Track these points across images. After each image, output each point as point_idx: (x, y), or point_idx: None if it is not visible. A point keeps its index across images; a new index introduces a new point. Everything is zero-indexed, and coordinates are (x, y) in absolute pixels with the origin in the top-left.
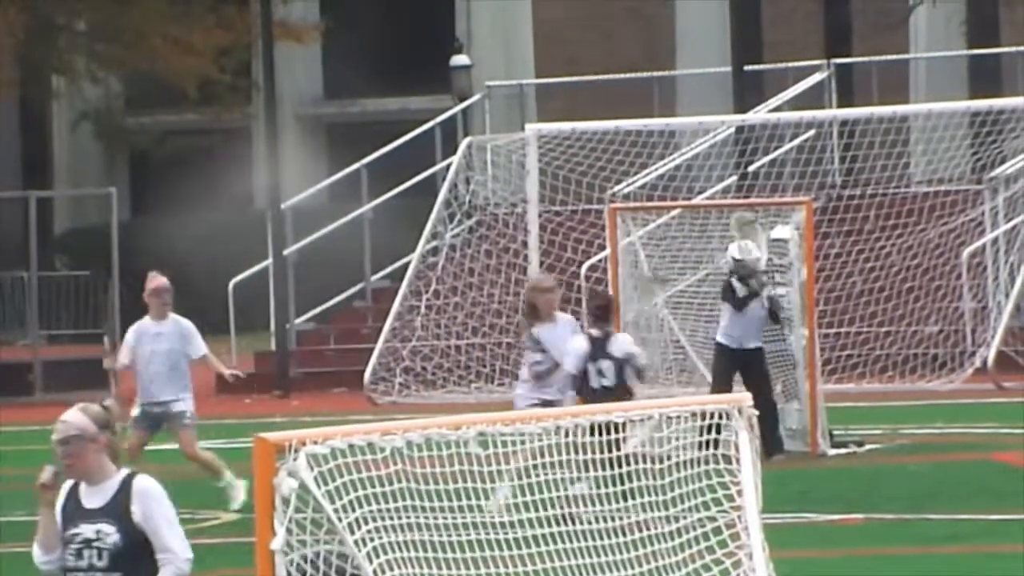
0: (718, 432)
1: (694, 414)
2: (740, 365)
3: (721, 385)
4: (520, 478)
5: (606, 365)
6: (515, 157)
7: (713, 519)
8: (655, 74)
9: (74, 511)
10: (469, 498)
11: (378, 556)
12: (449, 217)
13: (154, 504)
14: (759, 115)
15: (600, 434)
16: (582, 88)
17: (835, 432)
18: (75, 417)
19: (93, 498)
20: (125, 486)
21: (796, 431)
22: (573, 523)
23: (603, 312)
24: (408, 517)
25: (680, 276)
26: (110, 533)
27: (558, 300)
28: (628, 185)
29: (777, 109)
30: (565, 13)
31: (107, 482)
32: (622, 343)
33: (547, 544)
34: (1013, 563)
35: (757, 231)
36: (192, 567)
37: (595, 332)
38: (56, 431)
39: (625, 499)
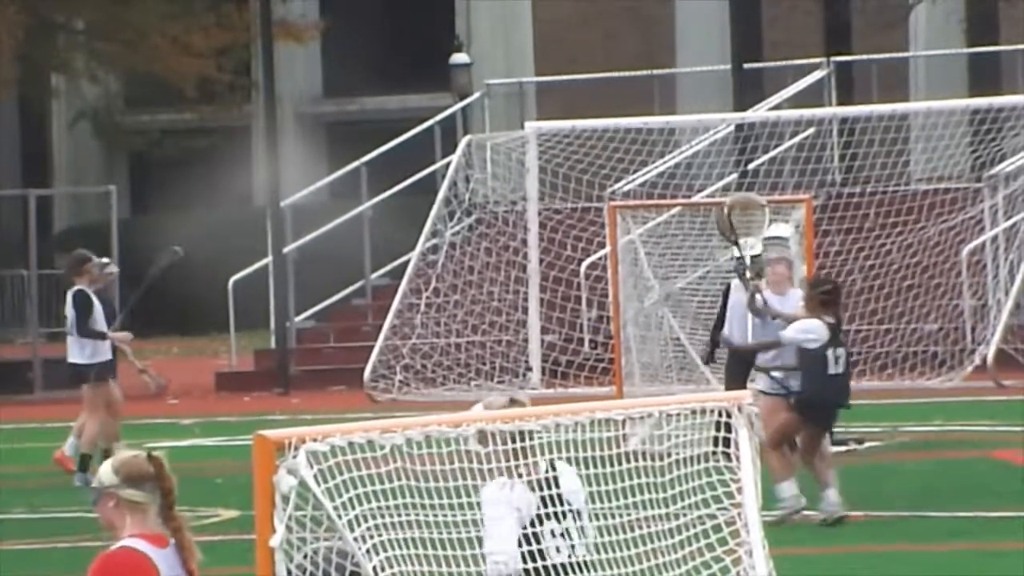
0: (727, 431)
1: (695, 412)
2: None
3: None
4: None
5: (841, 352)
6: (515, 155)
7: (713, 516)
8: (655, 72)
9: None
10: (469, 495)
11: (378, 553)
12: (449, 215)
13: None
14: (759, 113)
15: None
16: (582, 86)
17: (835, 429)
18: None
19: None
20: None
21: None
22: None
23: (833, 297)
24: (408, 514)
25: (680, 274)
26: None
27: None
28: (628, 183)
29: (777, 107)
30: (565, 11)
31: None
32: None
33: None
34: (1013, 560)
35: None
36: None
37: (830, 319)
38: None
39: (625, 496)
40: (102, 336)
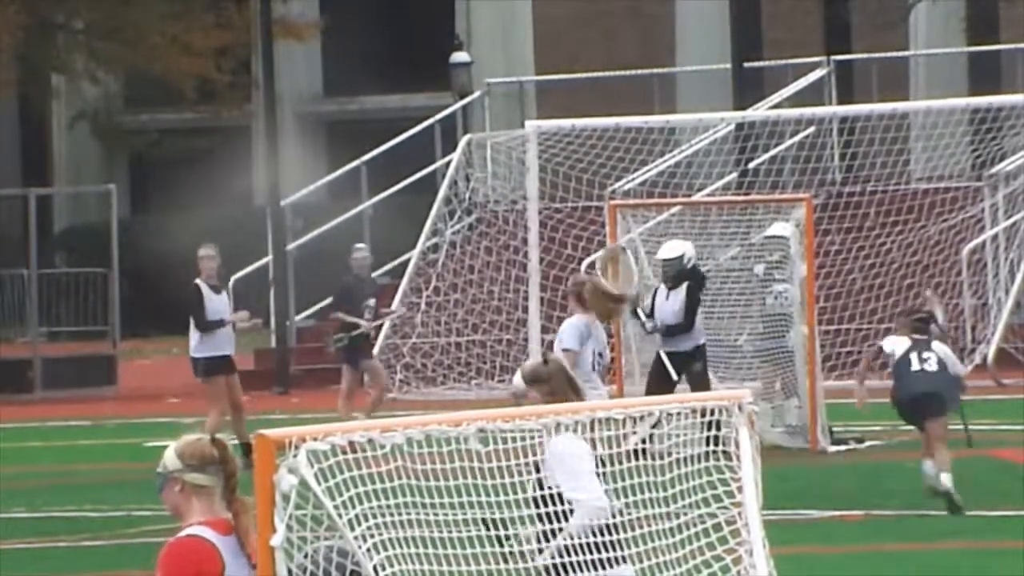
0: (718, 429)
1: (694, 411)
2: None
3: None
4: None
5: (928, 355)
6: (515, 154)
7: (714, 515)
8: (655, 71)
9: None
10: (469, 494)
11: (378, 552)
12: (449, 214)
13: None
14: (759, 112)
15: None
16: (582, 85)
17: (835, 429)
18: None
19: None
20: None
21: (796, 428)
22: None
23: (923, 324)
24: (408, 513)
25: None
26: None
27: None
28: (628, 182)
29: (777, 106)
30: (565, 10)
31: None
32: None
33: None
34: (1013, 559)
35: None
36: None
37: (917, 336)
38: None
39: (626, 495)
40: (219, 324)
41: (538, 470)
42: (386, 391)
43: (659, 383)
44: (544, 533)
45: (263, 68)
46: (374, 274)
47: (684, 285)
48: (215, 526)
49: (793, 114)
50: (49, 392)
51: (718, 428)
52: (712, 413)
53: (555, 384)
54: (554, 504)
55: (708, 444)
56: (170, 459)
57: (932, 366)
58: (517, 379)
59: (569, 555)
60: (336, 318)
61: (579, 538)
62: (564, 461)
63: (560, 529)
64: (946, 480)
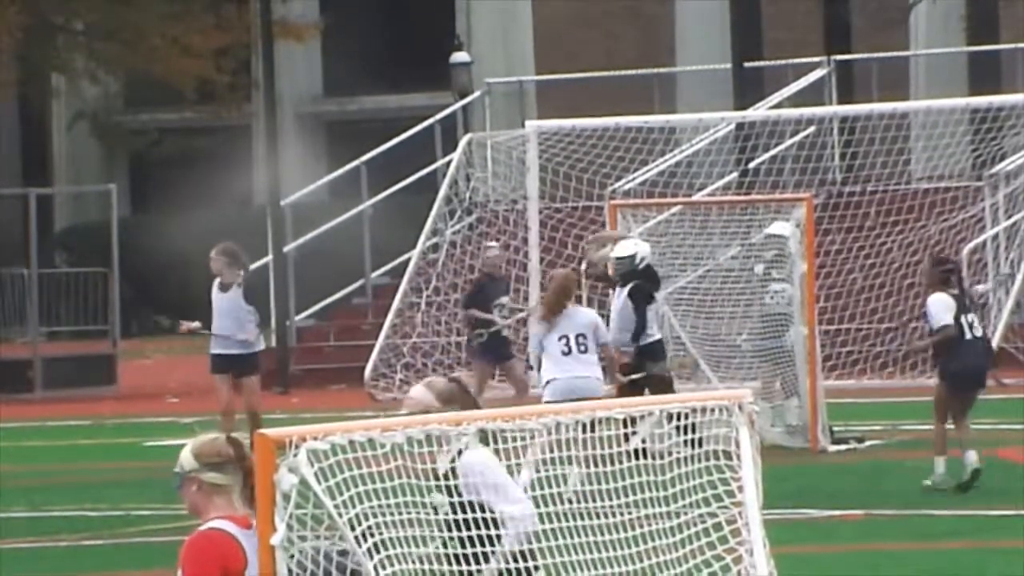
0: (693, 431)
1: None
2: None
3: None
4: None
5: (972, 318)
6: (515, 154)
7: (714, 515)
8: (655, 71)
9: None
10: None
11: (379, 552)
12: (449, 214)
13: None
14: (759, 112)
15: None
16: (582, 85)
17: (835, 428)
18: (420, 393)
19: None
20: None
21: (796, 427)
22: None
23: (952, 273)
24: (409, 513)
25: (680, 273)
26: (442, 503)
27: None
28: (628, 182)
29: (777, 106)
30: (565, 10)
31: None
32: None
33: (548, 540)
34: (1013, 559)
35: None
36: None
37: (954, 291)
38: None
39: (626, 495)
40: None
41: (448, 478)
42: (527, 388)
43: (630, 387)
44: (461, 540)
45: (263, 68)
46: (374, 274)
47: (629, 285)
48: (236, 521)
49: (793, 114)
50: (49, 392)
51: (694, 431)
52: (685, 417)
53: (464, 405)
54: (472, 511)
55: (692, 447)
56: (186, 459)
57: (978, 331)
58: (422, 393)
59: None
60: (470, 316)
61: (518, 549)
62: (485, 474)
63: (480, 539)
64: (974, 457)
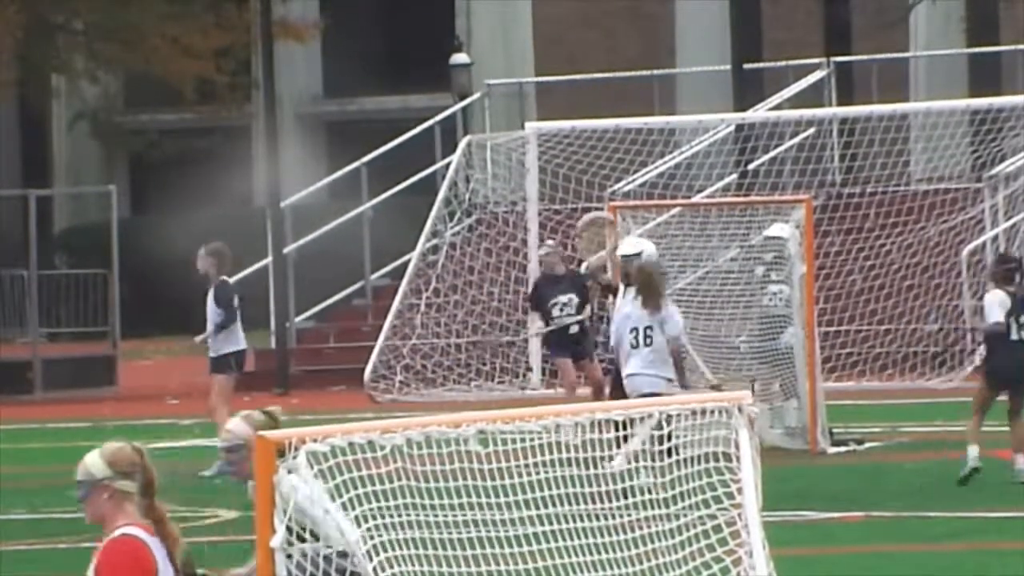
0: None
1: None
2: None
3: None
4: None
5: None
6: (515, 155)
7: (713, 517)
8: (655, 72)
9: None
10: (469, 496)
11: (378, 553)
12: (449, 215)
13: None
14: (759, 113)
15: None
16: (582, 86)
17: (835, 430)
18: (237, 426)
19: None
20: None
21: (796, 429)
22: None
23: (1013, 272)
24: (408, 515)
25: (680, 274)
26: None
27: None
28: (628, 183)
29: (777, 107)
30: (565, 11)
31: None
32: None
33: (547, 542)
34: (1013, 560)
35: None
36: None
37: (1011, 289)
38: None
39: (625, 496)
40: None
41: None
42: (602, 388)
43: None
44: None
45: (263, 69)
46: (374, 276)
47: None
48: (144, 528)
49: (793, 115)
50: (49, 393)
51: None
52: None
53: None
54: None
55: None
56: (98, 467)
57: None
58: (240, 426)
59: None
60: (533, 316)
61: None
62: (312, 507)
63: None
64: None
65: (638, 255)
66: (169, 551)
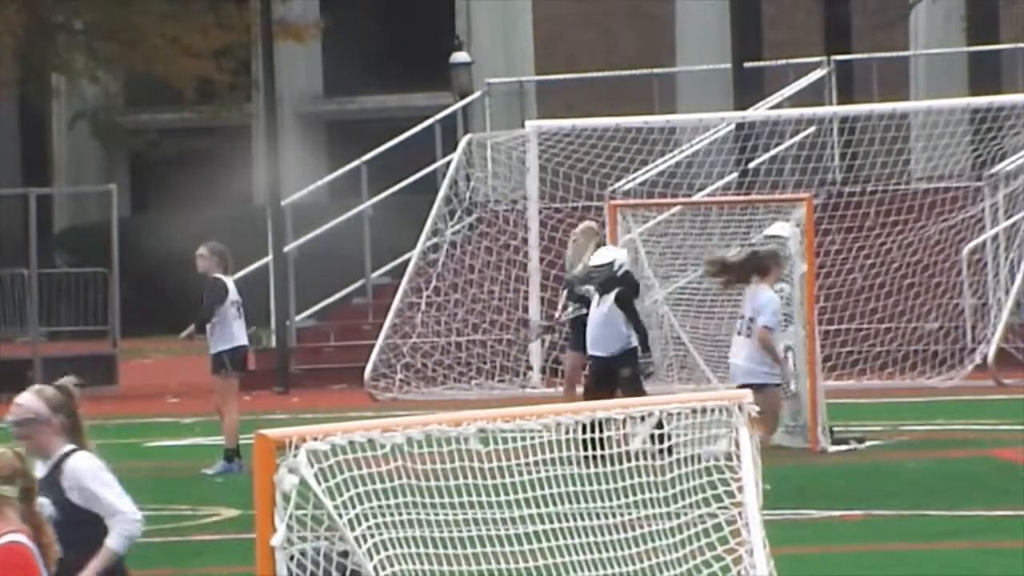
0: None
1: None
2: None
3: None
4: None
5: None
6: (515, 154)
7: (714, 515)
8: (655, 71)
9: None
10: (470, 494)
11: (379, 552)
12: (449, 214)
13: (85, 479)
14: (759, 112)
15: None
16: (582, 85)
17: (835, 428)
18: (29, 400)
19: (41, 470)
20: (59, 463)
21: (796, 427)
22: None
23: None
24: (409, 513)
25: (680, 273)
26: (46, 505)
27: None
28: (628, 182)
29: (777, 106)
30: (565, 10)
31: (51, 459)
32: None
33: (548, 540)
34: (1013, 559)
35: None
36: (141, 527)
37: None
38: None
39: (626, 495)
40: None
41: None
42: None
43: (596, 389)
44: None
45: (263, 68)
46: (374, 274)
47: (612, 292)
48: (27, 534)
49: (793, 114)
50: None
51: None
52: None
53: (70, 412)
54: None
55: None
56: None
57: None
58: (32, 400)
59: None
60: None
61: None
62: (97, 476)
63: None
64: None
65: (610, 265)
66: (44, 558)
